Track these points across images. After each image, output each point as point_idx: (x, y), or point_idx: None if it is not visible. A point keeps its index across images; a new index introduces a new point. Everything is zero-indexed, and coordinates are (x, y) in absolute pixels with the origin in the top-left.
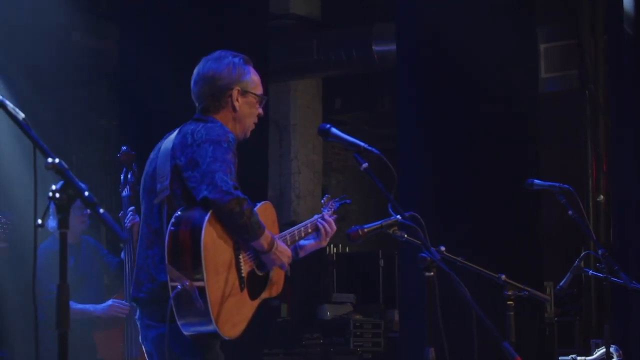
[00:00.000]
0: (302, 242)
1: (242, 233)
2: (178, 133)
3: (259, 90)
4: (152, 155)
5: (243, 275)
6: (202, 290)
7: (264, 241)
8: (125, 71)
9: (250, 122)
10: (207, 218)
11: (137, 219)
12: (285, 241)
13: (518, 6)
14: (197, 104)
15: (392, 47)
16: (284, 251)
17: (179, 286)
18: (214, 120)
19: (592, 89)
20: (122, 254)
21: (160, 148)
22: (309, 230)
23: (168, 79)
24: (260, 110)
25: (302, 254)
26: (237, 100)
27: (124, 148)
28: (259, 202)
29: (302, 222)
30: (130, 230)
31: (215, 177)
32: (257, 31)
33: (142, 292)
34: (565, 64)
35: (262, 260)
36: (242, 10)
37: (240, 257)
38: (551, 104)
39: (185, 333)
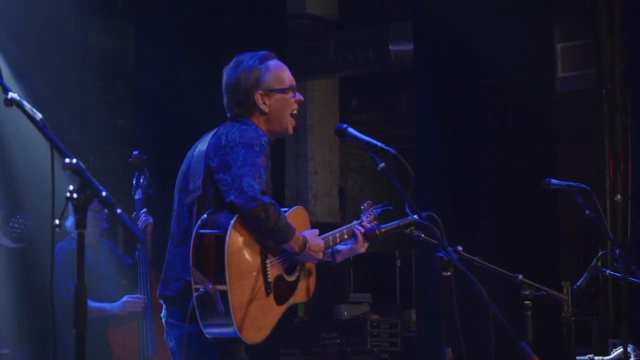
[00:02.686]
0: (338, 246)
1: (270, 237)
2: (214, 134)
3: (285, 83)
4: (189, 153)
5: (269, 280)
6: (224, 294)
7: (294, 244)
8: (141, 71)
9: (287, 116)
10: (232, 222)
11: (150, 220)
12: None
13: (535, 5)
14: (228, 115)
15: (409, 46)
16: (316, 249)
17: (201, 289)
18: (249, 122)
19: (609, 88)
20: (136, 255)
21: (197, 147)
22: (345, 237)
23: (184, 79)
24: (298, 97)
25: (339, 258)
26: (264, 103)
27: (135, 152)
28: (291, 207)
29: (318, 222)
30: (144, 232)
31: (243, 182)
32: (274, 31)
33: (169, 290)
34: (582, 63)
35: (293, 262)
36: (258, 10)
37: (267, 261)
38: (568, 103)
39: (208, 336)
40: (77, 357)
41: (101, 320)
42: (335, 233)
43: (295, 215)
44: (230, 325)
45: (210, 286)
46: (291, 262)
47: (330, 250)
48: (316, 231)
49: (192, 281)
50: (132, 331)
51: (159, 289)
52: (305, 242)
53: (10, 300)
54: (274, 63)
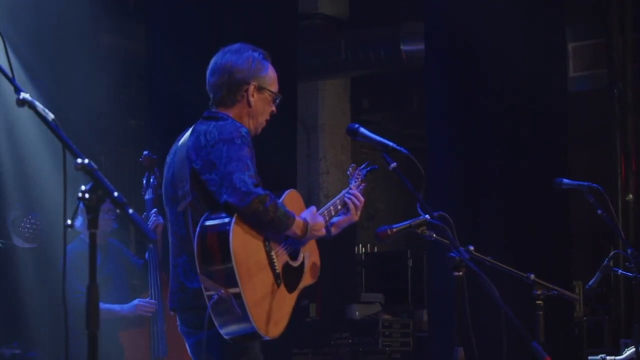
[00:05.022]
0: (332, 220)
1: (272, 228)
2: (191, 134)
3: (275, 88)
4: (168, 159)
5: (277, 271)
6: (238, 297)
7: (296, 229)
8: (153, 71)
9: (262, 120)
10: (233, 222)
11: (161, 220)
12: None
13: (546, 5)
14: (211, 95)
15: (420, 46)
16: (318, 227)
17: (214, 295)
18: (225, 117)
19: (621, 88)
20: (147, 255)
21: (175, 151)
22: (339, 207)
23: (196, 80)
24: (274, 108)
25: (334, 231)
26: (253, 95)
27: (145, 153)
28: (284, 191)
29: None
30: (154, 232)
31: (233, 179)
32: (286, 31)
33: (175, 302)
34: (594, 63)
35: (296, 246)
36: (270, 10)
37: (272, 253)
38: (580, 103)
39: (226, 337)
40: (89, 357)
41: (112, 321)
42: (329, 207)
43: (289, 199)
44: (250, 325)
45: (222, 292)
46: (293, 246)
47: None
48: (313, 208)
49: (203, 288)
50: (143, 332)
51: (169, 302)
52: (306, 224)
53: (22, 300)
54: (270, 65)
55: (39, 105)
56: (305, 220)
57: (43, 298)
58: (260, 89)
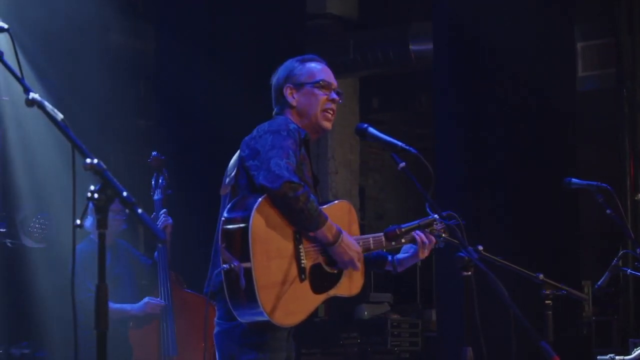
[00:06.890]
0: (398, 256)
1: (300, 220)
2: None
3: (315, 77)
4: None
5: (304, 266)
6: (248, 271)
7: (327, 232)
8: (163, 71)
9: (316, 110)
10: (259, 202)
11: (170, 220)
12: (367, 243)
13: (555, 5)
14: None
15: (429, 46)
16: (351, 246)
17: (225, 266)
18: (279, 117)
19: (630, 87)
20: (156, 255)
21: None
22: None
23: (204, 79)
24: (332, 96)
25: (400, 268)
26: (292, 96)
27: (154, 153)
28: (333, 200)
29: None
30: (164, 232)
31: (271, 163)
32: (294, 31)
33: (208, 287)
34: (603, 63)
35: (330, 254)
36: (279, 10)
37: (301, 247)
38: (588, 102)
39: (241, 320)
40: (98, 357)
41: (121, 321)
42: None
43: (337, 209)
44: (257, 305)
45: (236, 264)
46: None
47: (390, 258)
48: (353, 240)
49: (221, 260)
50: (153, 331)
51: (205, 288)
52: (339, 232)
53: (31, 300)
54: (314, 64)
55: (48, 105)
56: (339, 229)
57: (52, 298)
58: (297, 86)
